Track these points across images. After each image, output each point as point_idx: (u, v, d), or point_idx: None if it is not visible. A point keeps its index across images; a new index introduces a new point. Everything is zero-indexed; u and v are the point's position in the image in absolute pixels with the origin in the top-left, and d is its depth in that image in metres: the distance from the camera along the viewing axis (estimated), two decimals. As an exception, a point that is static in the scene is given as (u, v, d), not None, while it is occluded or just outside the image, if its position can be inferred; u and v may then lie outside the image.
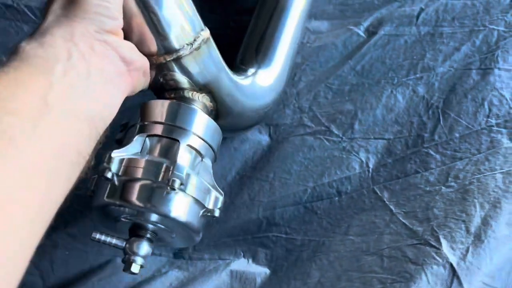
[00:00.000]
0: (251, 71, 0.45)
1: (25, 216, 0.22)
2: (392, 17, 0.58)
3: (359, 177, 0.47)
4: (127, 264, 0.34)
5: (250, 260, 0.42)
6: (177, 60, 0.36)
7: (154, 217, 0.34)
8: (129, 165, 0.33)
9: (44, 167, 0.24)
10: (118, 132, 0.38)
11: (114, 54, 0.29)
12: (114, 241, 0.35)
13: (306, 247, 0.42)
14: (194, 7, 0.36)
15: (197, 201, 0.34)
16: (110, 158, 0.33)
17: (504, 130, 0.46)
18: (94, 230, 0.35)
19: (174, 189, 0.32)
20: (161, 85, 0.37)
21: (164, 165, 0.33)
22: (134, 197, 0.32)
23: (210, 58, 0.38)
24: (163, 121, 0.35)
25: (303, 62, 0.56)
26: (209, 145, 0.37)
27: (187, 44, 0.35)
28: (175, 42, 0.35)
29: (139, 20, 0.33)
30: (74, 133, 0.26)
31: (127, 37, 0.32)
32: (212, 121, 0.37)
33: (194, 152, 0.35)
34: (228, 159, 0.48)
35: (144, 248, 0.34)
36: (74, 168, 0.26)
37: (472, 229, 0.41)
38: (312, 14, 0.61)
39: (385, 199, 0.44)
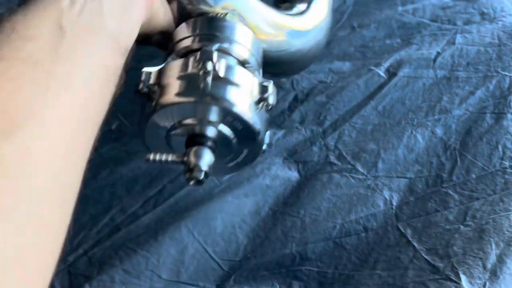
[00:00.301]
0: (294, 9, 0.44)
1: (67, 128, 0.24)
2: (410, 60, 0.62)
3: (384, 214, 0.50)
4: (191, 173, 0.30)
5: (286, 293, 0.46)
6: None
7: (201, 115, 0.31)
8: (162, 72, 0.32)
9: (76, 82, 0.25)
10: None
11: None
12: (170, 157, 0.31)
13: (337, 280, 0.46)
14: None
15: (240, 88, 0.31)
16: (141, 73, 0.32)
17: (517, 173, 0.50)
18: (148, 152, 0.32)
19: (208, 73, 0.29)
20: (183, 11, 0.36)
21: (193, 59, 0.31)
22: (175, 96, 0.30)
23: None
24: (197, 32, 0.34)
25: (327, 101, 0.61)
26: (252, 52, 0.35)
27: None
28: None
29: None
30: (95, 49, 0.27)
31: None
32: (252, 32, 0.36)
33: (236, 60, 0.34)
34: (261, 196, 0.52)
35: (207, 155, 0.30)
36: (105, 83, 0.28)
37: (489, 266, 0.45)
38: (334, 55, 0.65)
39: (408, 236, 0.48)
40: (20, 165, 0.21)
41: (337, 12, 0.70)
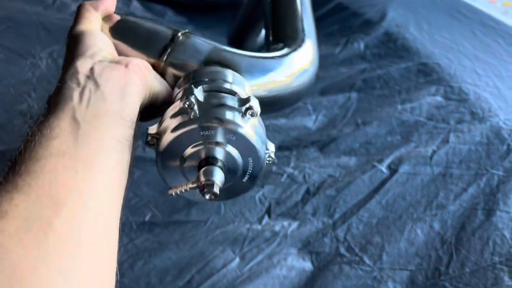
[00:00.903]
0: (283, 49, 0.49)
1: (99, 195, 0.30)
2: (409, 157, 0.70)
3: (389, 304, 0.57)
4: (206, 188, 0.33)
5: None
6: (167, 61, 0.42)
7: (222, 135, 0.34)
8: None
9: (97, 160, 0.31)
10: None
11: (109, 64, 0.36)
12: (188, 186, 0.34)
13: None
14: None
15: (226, 105, 0.35)
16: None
17: (505, 268, 0.57)
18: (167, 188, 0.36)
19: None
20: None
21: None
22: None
23: (193, 46, 0.42)
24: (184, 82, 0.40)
25: (336, 195, 0.68)
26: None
27: (170, 40, 0.42)
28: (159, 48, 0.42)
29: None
30: (105, 129, 0.33)
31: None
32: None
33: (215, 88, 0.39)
34: (278, 286, 0.58)
35: (218, 174, 0.34)
36: (121, 153, 0.33)
37: None
38: (341, 150, 0.74)
39: (410, 327, 0.54)
40: (69, 232, 0.27)
41: (342, 108, 0.79)
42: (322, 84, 0.86)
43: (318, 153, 0.75)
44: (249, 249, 0.62)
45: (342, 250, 0.62)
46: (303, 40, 0.52)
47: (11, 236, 0.25)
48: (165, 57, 0.41)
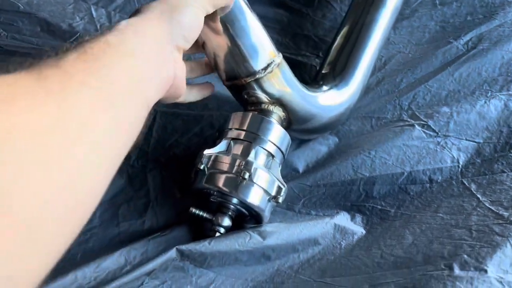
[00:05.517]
0: (325, 87, 0.53)
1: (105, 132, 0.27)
2: (491, 35, 0.64)
3: (450, 170, 0.53)
4: (213, 232, 0.45)
5: (349, 220, 0.49)
6: (256, 81, 0.45)
7: (231, 198, 0.44)
8: (215, 160, 0.44)
9: (124, 88, 0.29)
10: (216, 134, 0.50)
11: (171, 60, 0.36)
12: (205, 215, 0.46)
13: (399, 218, 0.49)
14: (268, 36, 0.46)
15: (263, 189, 0.44)
16: (202, 154, 0.44)
17: None
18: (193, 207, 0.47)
19: (244, 179, 0.42)
20: (245, 100, 0.48)
21: (239, 161, 0.43)
22: (216, 183, 0.43)
23: (282, 78, 0.47)
24: (245, 128, 0.46)
25: (404, 68, 0.63)
26: (279, 148, 0.47)
27: (262, 69, 0.45)
28: (254, 67, 0.45)
29: (224, 49, 0.44)
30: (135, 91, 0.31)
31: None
32: (283, 130, 0.47)
33: (267, 153, 0.46)
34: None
35: (226, 221, 0.45)
36: (141, 112, 0.32)
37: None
38: (414, 27, 0.68)
39: (472, 189, 0.50)
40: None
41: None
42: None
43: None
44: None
45: (405, 117, 0.58)
46: (352, 80, 0.55)
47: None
48: (250, 80, 0.46)
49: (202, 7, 0.38)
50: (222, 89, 0.51)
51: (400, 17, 0.69)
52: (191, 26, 0.38)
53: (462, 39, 0.64)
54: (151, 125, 0.55)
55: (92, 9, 0.62)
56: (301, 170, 0.54)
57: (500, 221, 0.45)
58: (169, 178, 0.52)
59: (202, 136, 0.55)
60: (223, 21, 0.43)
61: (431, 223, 0.48)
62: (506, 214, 0.46)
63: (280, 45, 0.66)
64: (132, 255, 0.42)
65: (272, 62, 0.45)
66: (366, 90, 0.62)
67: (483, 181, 0.51)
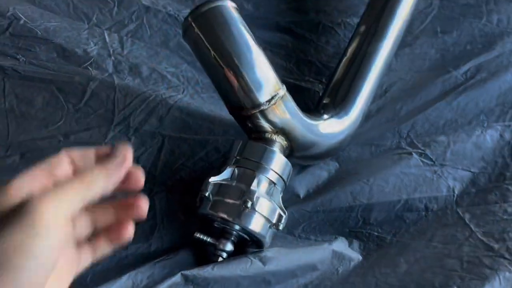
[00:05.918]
0: (326, 116, 0.55)
1: None
2: (489, 65, 0.66)
3: (445, 199, 0.55)
4: (216, 256, 0.47)
5: (347, 246, 0.52)
6: (260, 112, 0.48)
7: (234, 225, 0.46)
8: (220, 188, 0.47)
9: None
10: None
11: None
12: (209, 239, 0.48)
13: (394, 245, 0.51)
14: (273, 70, 0.49)
15: (264, 217, 0.46)
16: (208, 182, 0.47)
17: None
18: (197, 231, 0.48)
19: (247, 207, 0.45)
20: (249, 128, 0.51)
21: (242, 190, 0.46)
22: (220, 211, 0.46)
23: (285, 109, 0.49)
24: (249, 157, 0.48)
25: (405, 95, 0.66)
26: (281, 176, 0.49)
27: (267, 101, 0.47)
28: (259, 99, 0.47)
29: None
30: None
31: None
32: (285, 159, 0.49)
33: (269, 181, 0.48)
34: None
35: (229, 246, 0.48)
36: None
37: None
38: (415, 54, 0.70)
39: (466, 219, 0.52)
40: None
41: (422, 14, 0.74)
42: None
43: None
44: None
45: (404, 144, 0.60)
46: (353, 108, 0.57)
47: None
48: (255, 111, 0.48)
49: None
50: (227, 114, 0.53)
51: (402, 43, 0.71)
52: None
53: (461, 69, 0.66)
54: (159, 148, 0.57)
55: (105, 34, 0.65)
56: (302, 195, 0.56)
57: (490, 253, 0.47)
58: (175, 201, 0.54)
59: (208, 160, 0.57)
60: (230, 54, 0.46)
61: (425, 252, 0.50)
62: (496, 246, 0.48)
63: (284, 70, 0.69)
64: (139, 278, 0.45)
65: (276, 94, 0.48)
66: (367, 116, 0.64)
67: (477, 211, 0.53)
